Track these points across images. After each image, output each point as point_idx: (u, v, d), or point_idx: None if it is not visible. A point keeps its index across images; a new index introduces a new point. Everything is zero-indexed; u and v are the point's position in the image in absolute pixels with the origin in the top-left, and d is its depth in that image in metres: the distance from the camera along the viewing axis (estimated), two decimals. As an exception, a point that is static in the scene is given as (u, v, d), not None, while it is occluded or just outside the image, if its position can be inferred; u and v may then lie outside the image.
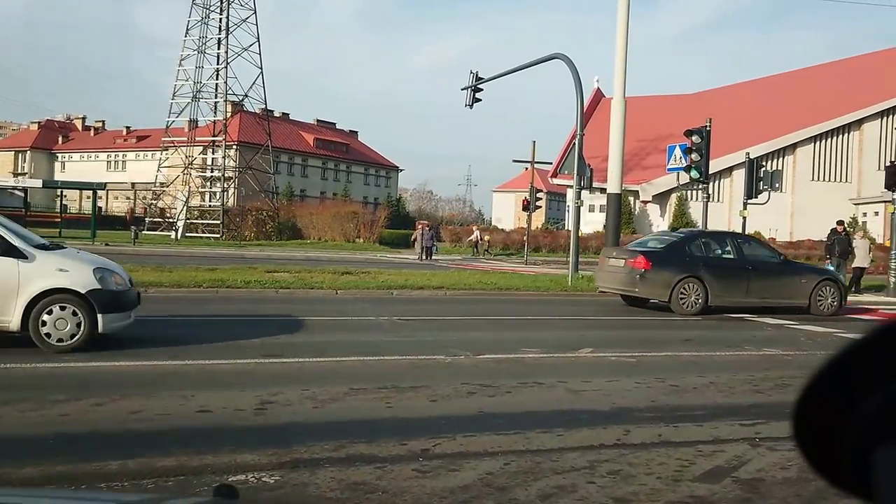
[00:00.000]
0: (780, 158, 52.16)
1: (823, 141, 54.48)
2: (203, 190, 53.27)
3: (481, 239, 43.25)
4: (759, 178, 23.35)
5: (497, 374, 8.37)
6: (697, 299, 14.93)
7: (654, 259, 15.06)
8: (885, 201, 49.36)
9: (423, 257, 34.68)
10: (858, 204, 53.22)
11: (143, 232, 48.25)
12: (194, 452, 5.15)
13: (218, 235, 48.17)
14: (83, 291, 8.64)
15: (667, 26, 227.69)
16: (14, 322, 8.53)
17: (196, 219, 51.01)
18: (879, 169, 52.89)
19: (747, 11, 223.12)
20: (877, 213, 51.06)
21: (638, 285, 15.05)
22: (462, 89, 29.47)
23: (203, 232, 49.56)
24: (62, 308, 8.59)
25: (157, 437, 5.57)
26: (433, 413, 6.53)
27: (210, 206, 51.83)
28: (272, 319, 12.08)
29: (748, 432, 6.24)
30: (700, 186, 19.35)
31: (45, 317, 8.54)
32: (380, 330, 11.51)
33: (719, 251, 15.84)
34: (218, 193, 51.59)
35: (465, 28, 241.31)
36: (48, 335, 8.54)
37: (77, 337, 8.61)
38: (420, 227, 37.27)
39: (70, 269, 8.77)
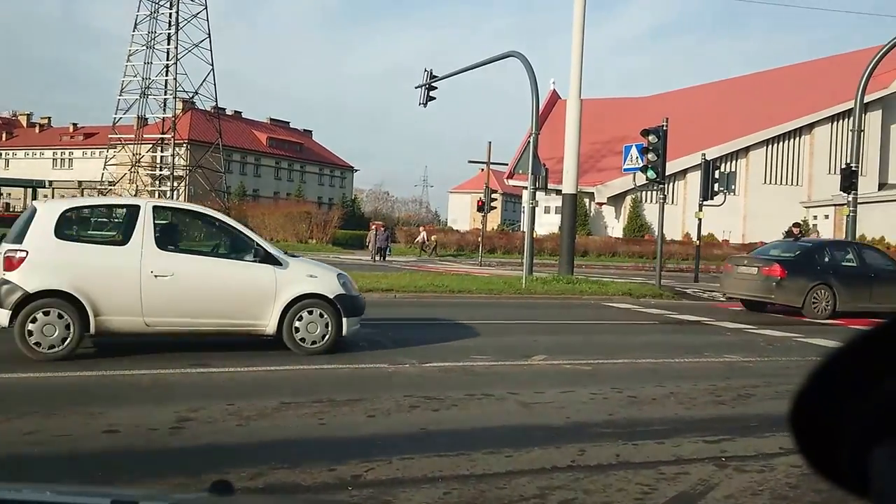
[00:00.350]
0: (734, 161, 52.46)
1: (775, 144, 54.96)
2: (152, 189, 51.89)
3: (428, 239, 42.75)
4: (715, 180, 23.17)
5: (443, 384, 7.78)
6: (827, 305, 15.81)
7: (789, 267, 16.00)
8: (835, 204, 49.98)
9: (377, 258, 34.04)
10: (809, 207, 53.79)
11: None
12: (88, 482, 4.47)
13: (166, 236, 46.82)
14: (331, 296, 9.10)
15: (623, 30, 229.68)
16: (271, 326, 8.91)
17: (144, 218, 49.55)
18: (830, 173, 53.59)
19: (702, 15, 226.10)
20: (827, 217, 51.66)
21: (774, 292, 15.95)
22: (416, 87, 28.92)
23: (151, 232, 48.13)
24: (310, 312, 9.01)
25: (53, 462, 4.87)
26: (370, 431, 5.91)
27: (158, 205, 50.38)
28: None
29: (713, 451, 5.73)
30: (657, 187, 19.00)
31: (298, 322, 8.94)
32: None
33: (844, 260, 16.76)
34: (167, 192, 50.27)
35: (423, 28, 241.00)
36: (302, 339, 8.95)
37: (326, 339, 9.04)
38: (374, 227, 36.59)
39: (318, 276, 9.25)
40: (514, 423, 6.37)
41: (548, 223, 49.85)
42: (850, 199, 18.93)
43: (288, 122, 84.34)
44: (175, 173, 51.17)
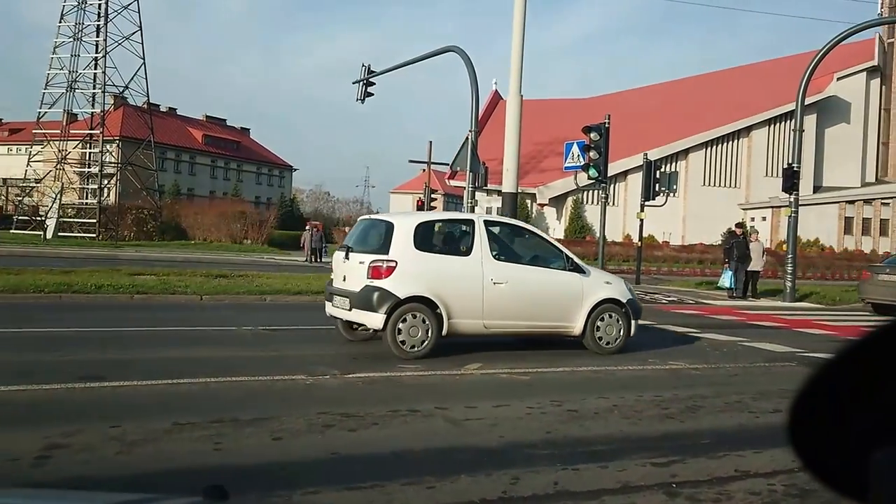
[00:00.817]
0: (674, 163, 52.69)
1: (714, 147, 55.43)
2: (80, 186, 49.80)
3: None
4: (657, 180, 22.84)
5: (365, 398, 7.01)
6: None
7: None
8: (772, 207, 50.61)
9: (312, 259, 33.05)
10: (747, 209, 54.38)
11: (12, 231, 44.64)
12: None
13: (94, 235, 44.98)
14: (623, 301, 10.20)
15: (566, 31, 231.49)
16: (578, 328, 9.99)
17: (72, 217, 47.55)
18: (767, 175, 54.31)
19: (645, 17, 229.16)
20: (764, 219, 52.29)
21: None
22: (354, 83, 28.07)
23: (79, 231, 46.23)
24: (610, 316, 10.09)
25: None
26: (273, 457, 5.09)
27: (86, 203, 48.46)
28: (111, 331, 10.37)
29: (663, 475, 5.07)
30: (599, 187, 18.51)
31: (599, 324, 10.02)
32: (238, 343, 9.97)
33: None
34: (95, 190, 48.28)
35: (363, 27, 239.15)
36: (600, 339, 10.05)
37: (619, 340, 10.16)
38: (309, 227, 35.56)
39: (612, 283, 10.42)
40: (441, 444, 5.64)
41: (489, 224, 49.26)
42: (791, 199, 18.70)
43: (224, 120, 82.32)
44: (105, 171, 49.11)
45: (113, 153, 53.68)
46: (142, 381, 7.20)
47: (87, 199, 49.15)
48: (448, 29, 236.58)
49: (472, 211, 20.44)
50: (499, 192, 24.95)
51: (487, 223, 9.84)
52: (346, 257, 9.69)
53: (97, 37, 47.86)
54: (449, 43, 21.62)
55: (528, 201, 52.76)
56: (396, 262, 9.08)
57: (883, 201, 54.44)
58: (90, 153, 50.11)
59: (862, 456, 0.73)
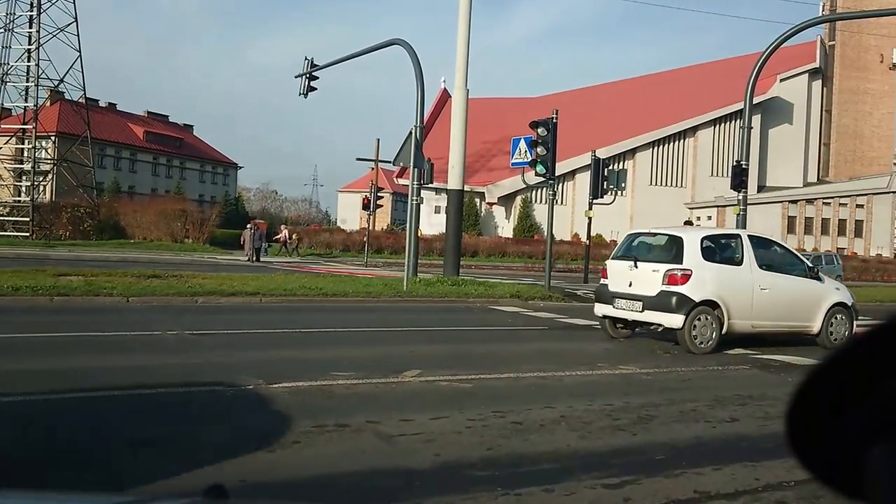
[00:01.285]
0: (621, 163, 52.78)
1: (661, 147, 55.74)
2: (13, 184, 47.90)
3: (290, 238, 40.96)
4: (605, 178, 22.52)
5: (290, 411, 6.34)
6: None
7: None
8: (717, 206, 51.03)
9: (253, 259, 32.16)
10: (693, 208, 54.79)
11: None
12: None
13: (28, 234, 43.24)
14: (849, 304, 11.80)
15: (516, 31, 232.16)
16: (816, 327, 11.48)
17: (5, 216, 45.67)
18: (712, 175, 54.79)
19: (594, 18, 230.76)
20: (710, 217, 52.70)
21: None
22: (296, 76, 27.24)
23: (12, 230, 44.38)
24: (839, 317, 11.64)
25: None
26: (174, 486, 4.41)
27: (20, 201, 46.59)
28: (15, 338, 9.52)
29: (615, 499, 4.52)
30: (547, 184, 18.04)
31: (831, 326, 11.53)
32: (160, 349, 9.22)
33: None
34: (28, 188, 46.46)
35: (310, 25, 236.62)
36: (833, 336, 11.48)
37: (843, 339, 11.27)
38: (249, 226, 34.61)
39: (840, 288, 12.15)
40: (368, 465, 5.01)
41: (438, 223, 48.78)
42: (740, 197, 18.50)
43: (167, 116, 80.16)
44: (39, 167, 47.31)
45: (48, 149, 51.82)
46: (31, 395, 6.41)
47: (20, 196, 47.29)
48: (399, 26, 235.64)
49: (418, 209, 19.85)
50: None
51: (751, 237, 11.54)
52: (635, 266, 11.16)
53: (30, 28, 46.04)
54: (400, 37, 20.91)
55: (477, 200, 52.40)
56: (692, 271, 10.63)
57: (824, 201, 55.33)
58: (24, 149, 48.27)
59: (860, 455, 0.73)
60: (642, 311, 10.91)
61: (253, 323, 11.87)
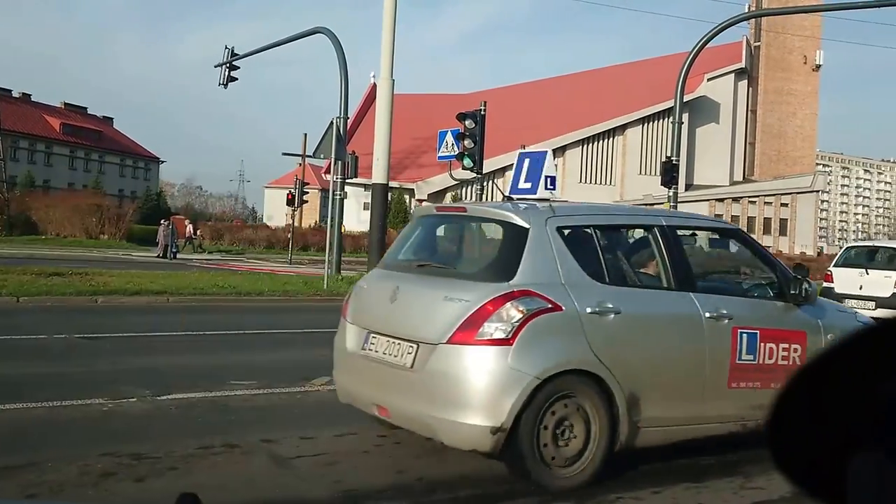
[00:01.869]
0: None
1: (590, 144, 55.95)
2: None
3: (195, 233, 39.48)
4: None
5: (175, 429, 5.54)
6: None
7: None
8: (646, 204, 51.33)
9: (169, 256, 30.91)
10: (622, 206, 55.13)
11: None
12: None
13: (-70, 230, 40.79)
14: None
15: (447, 29, 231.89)
16: None
17: None
18: (640, 173, 55.22)
19: (526, 15, 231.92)
20: (638, 216, 53.05)
21: None
22: (216, 66, 26.10)
23: (-87, 226, 41.79)
24: None
25: None
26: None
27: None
28: None
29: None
30: (476, 179, 17.42)
31: None
32: (42, 356, 8.25)
33: None
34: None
35: (235, 19, 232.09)
36: None
37: None
38: (163, 222, 33.28)
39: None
40: (254, 497, 4.26)
41: (368, 220, 47.93)
42: (670, 193, 18.23)
43: (86, 108, 77.19)
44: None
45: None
46: None
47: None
48: (329, 21, 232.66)
49: (342, 203, 19.05)
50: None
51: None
52: (867, 272, 13.36)
53: (-67, 11, 43.52)
54: (335, 35, 20.01)
55: (407, 196, 51.73)
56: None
57: (750, 199, 56.33)
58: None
59: (840, 463, 0.72)
60: (875, 308, 13.01)
61: (152, 324, 10.92)
